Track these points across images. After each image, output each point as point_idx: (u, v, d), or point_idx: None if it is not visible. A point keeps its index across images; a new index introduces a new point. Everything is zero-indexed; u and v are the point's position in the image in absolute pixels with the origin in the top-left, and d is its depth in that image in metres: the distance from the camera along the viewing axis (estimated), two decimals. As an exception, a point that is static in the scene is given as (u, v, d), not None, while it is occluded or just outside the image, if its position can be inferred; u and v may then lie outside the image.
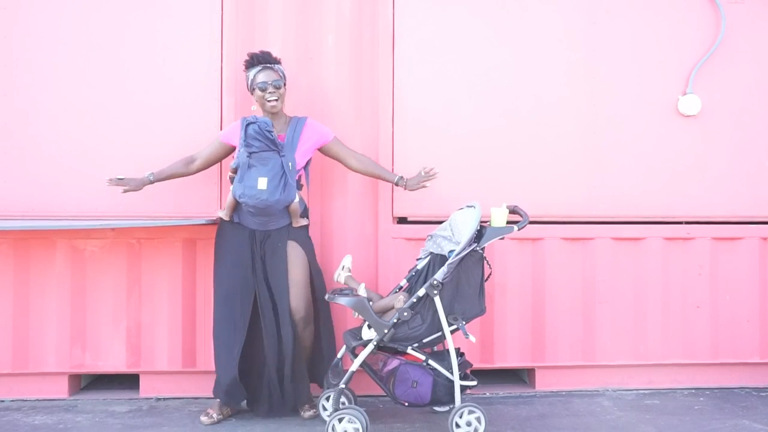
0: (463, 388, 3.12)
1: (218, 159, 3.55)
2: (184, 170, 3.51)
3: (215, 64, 3.75)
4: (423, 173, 3.58)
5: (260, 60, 3.44)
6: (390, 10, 3.84)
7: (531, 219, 3.26)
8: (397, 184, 3.61)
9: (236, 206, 3.37)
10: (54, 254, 3.69)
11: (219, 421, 3.40)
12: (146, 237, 3.71)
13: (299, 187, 3.46)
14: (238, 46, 3.75)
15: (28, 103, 3.69)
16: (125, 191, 3.42)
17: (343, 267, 3.40)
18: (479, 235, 3.15)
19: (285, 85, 3.46)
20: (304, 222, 3.47)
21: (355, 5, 3.86)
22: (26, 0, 3.70)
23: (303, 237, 3.47)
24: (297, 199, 3.37)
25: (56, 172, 3.68)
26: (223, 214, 3.42)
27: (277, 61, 3.48)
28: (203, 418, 3.39)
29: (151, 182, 3.45)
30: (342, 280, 3.38)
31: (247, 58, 3.46)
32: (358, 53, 3.86)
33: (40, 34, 3.70)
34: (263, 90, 3.39)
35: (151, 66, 3.74)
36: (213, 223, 3.62)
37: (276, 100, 3.41)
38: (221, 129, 3.69)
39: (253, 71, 3.43)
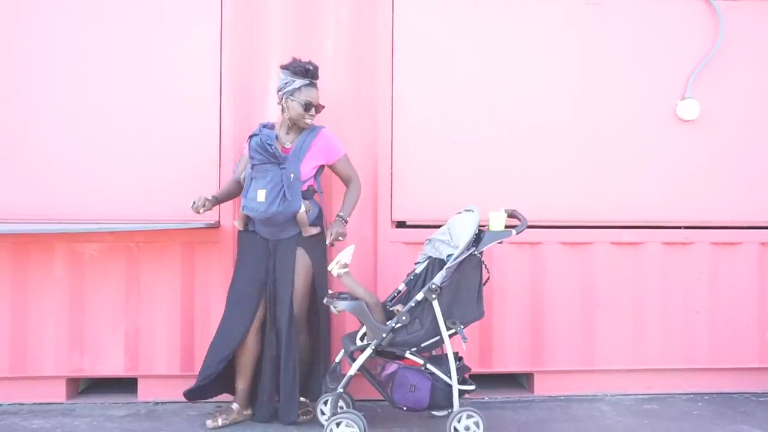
0: (461, 393, 3.11)
1: None
2: (237, 189, 3.47)
3: (215, 73, 3.75)
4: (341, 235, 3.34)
5: (312, 74, 3.39)
6: (389, 17, 3.85)
7: (530, 223, 3.26)
8: (336, 216, 3.41)
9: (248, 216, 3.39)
10: (53, 258, 3.69)
11: (238, 422, 3.39)
12: (145, 241, 3.71)
13: (311, 194, 3.42)
14: (237, 54, 3.76)
15: (28, 109, 3.69)
16: (204, 211, 3.30)
17: (337, 262, 3.22)
18: (477, 239, 3.15)
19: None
20: (313, 231, 3.40)
21: (354, 11, 3.86)
22: (26, 7, 3.71)
23: (312, 245, 3.42)
24: (303, 209, 3.33)
25: (55, 177, 3.69)
26: (238, 224, 3.44)
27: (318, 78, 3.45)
28: (217, 421, 3.36)
29: (218, 202, 3.43)
30: (335, 273, 3.21)
31: (299, 65, 3.36)
32: (357, 59, 3.87)
33: (40, 41, 3.71)
34: (306, 109, 3.36)
35: (150, 74, 3.74)
36: (211, 227, 3.63)
37: (311, 121, 3.41)
38: (220, 137, 3.73)
39: (298, 81, 3.34)
